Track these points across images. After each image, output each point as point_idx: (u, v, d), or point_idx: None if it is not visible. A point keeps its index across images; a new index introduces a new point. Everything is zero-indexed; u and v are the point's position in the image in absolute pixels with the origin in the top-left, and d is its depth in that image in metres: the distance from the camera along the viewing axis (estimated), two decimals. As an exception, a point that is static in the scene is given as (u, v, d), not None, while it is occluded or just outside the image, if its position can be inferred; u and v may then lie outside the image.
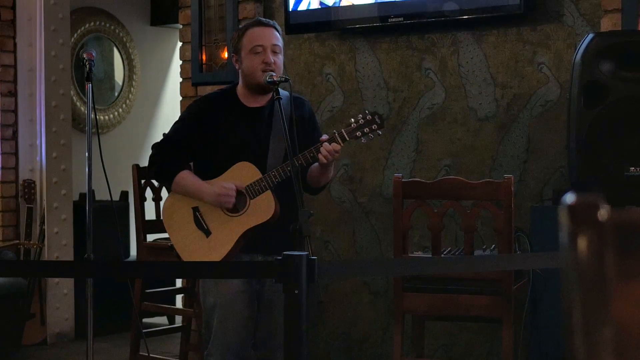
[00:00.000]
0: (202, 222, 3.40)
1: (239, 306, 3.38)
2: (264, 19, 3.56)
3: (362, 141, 3.41)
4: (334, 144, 3.28)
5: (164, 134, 3.62)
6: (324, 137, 3.32)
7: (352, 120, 3.38)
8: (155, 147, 3.52)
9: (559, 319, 3.54)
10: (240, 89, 3.50)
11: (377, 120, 3.37)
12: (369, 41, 4.70)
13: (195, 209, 3.41)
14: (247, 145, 3.42)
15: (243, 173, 3.36)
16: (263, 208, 3.33)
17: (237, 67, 3.50)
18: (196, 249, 3.39)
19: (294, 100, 3.40)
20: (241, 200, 3.36)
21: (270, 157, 3.41)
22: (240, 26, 3.62)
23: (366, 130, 3.36)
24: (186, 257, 3.40)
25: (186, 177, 3.42)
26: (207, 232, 3.39)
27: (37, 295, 5.80)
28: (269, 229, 3.33)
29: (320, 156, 3.27)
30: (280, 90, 3.37)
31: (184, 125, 3.50)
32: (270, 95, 3.41)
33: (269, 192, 3.33)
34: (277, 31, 3.47)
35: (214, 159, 3.43)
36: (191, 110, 3.54)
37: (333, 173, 3.50)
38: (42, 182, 5.91)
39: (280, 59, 3.43)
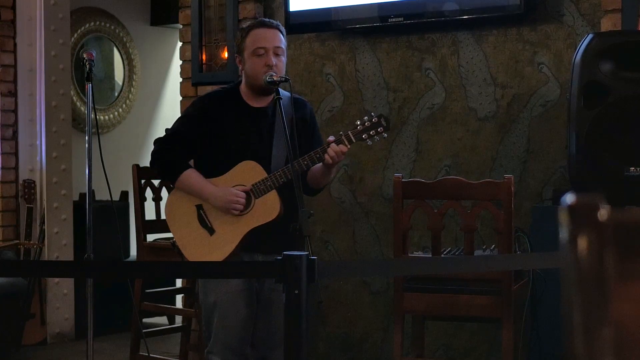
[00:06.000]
0: (206, 220, 3.39)
1: (239, 305, 3.38)
2: (267, 20, 3.54)
3: (368, 143, 3.42)
4: (341, 146, 3.28)
5: (166, 129, 3.60)
6: (331, 138, 3.32)
7: (358, 122, 3.38)
8: (158, 142, 3.50)
9: (559, 319, 3.54)
10: (243, 88, 3.49)
11: (383, 122, 3.37)
12: (369, 41, 4.70)
13: (199, 207, 3.40)
14: (251, 145, 3.41)
15: (248, 172, 3.36)
16: (268, 208, 3.33)
17: (240, 68, 3.49)
18: (199, 247, 3.38)
19: (295, 101, 3.40)
20: (246, 199, 3.36)
21: (273, 157, 3.41)
22: (244, 26, 3.60)
23: (372, 132, 3.36)
24: (189, 255, 3.40)
25: (191, 177, 3.41)
26: (211, 231, 3.39)
27: (37, 295, 5.80)
28: (269, 229, 3.33)
29: (327, 157, 3.27)
30: (282, 91, 3.37)
31: (188, 122, 3.48)
32: (272, 95, 3.41)
33: (274, 192, 3.33)
34: (281, 32, 3.46)
35: (217, 157, 3.42)
36: (195, 107, 3.52)
37: (333, 175, 3.51)
38: (42, 182, 5.91)
39: (282, 60, 3.42)
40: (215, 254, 3.34)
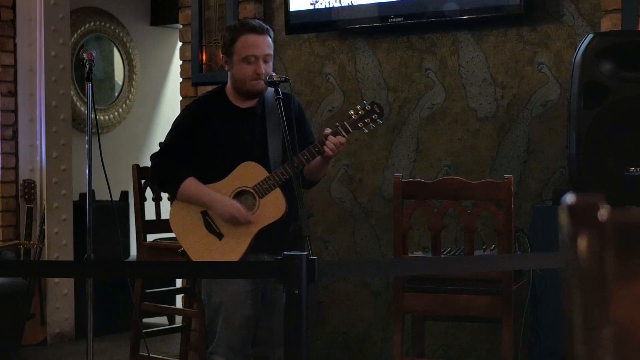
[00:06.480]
0: (213, 225, 3.38)
1: (245, 306, 3.38)
2: (257, 25, 3.48)
3: (365, 131, 3.43)
4: (339, 137, 3.31)
5: (160, 144, 3.60)
6: (327, 130, 3.34)
7: (352, 112, 3.40)
8: (153, 158, 3.50)
9: (559, 319, 3.54)
10: (229, 89, 3.49)
11: (376, 109, 3.39)
12: (369, 41, 4.70)
13: (204, 213, 3.39)
14: (246, 146, 3.41)
15: (249, 173, 3.36)
16: (273, 206, 3.33)
17: (226, 68, 3.50)
18: (210, 253, 3.36)
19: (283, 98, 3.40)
20: (250, 200, 3.36)
21: (271, 156, 3.41)
22: (232, 25, 3.59)
23: (367, 120, 3.38)
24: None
25: (190, 186, 3.39)
26: (220, 235, 3.37)
27: (37, 295, 5.80)
28: (276, 229, 3.32)
29: (326, 149, 3.29)
30: (269, 89, 3.38)
31: (179, 132, 3.48)
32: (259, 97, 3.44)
33: (277, 190, 3.33)
34: (270, 37, 3.46)
35: (213, 162, 3.42)
36: (183, 116, 3.53)
37: (329, 167, 3.52)
38: (42, 182, 5.91)
39: (270, 66, 3.45)
40: (226, 258, 3.32)
